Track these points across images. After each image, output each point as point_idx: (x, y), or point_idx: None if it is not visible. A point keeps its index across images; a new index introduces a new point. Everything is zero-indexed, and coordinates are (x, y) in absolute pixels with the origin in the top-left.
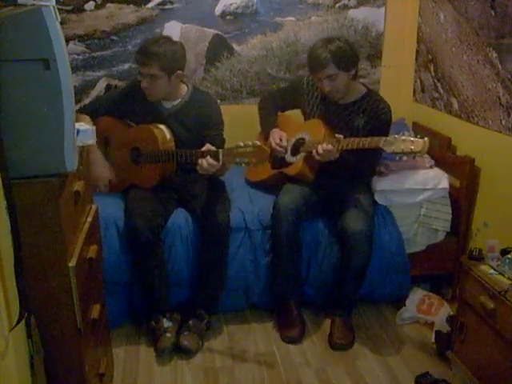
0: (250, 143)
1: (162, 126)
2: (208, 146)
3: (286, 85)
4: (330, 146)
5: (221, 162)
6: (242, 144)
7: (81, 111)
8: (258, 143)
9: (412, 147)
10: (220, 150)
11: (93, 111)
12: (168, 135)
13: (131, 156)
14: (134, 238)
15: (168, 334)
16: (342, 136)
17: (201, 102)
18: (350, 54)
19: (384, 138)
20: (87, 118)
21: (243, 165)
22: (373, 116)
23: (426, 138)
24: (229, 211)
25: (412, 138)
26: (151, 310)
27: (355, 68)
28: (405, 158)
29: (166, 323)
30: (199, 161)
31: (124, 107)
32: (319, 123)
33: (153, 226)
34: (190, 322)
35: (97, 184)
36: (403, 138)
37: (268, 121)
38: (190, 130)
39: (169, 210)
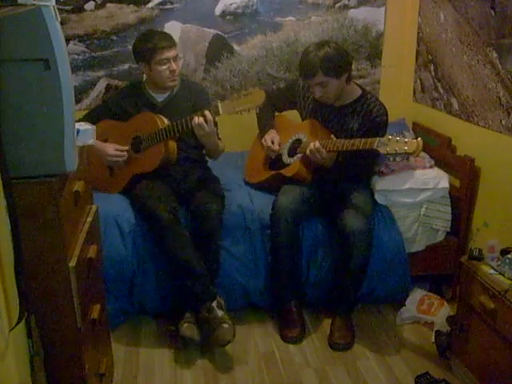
0: (244, 91)
1: (159, 115)
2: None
3: (282, 86)
4: (317, 144)
5: (222, 113)
6: (235, 94)
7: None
8: (251, 88)
9: (406, 148)
10: (219, 102)
11: (90, 119)
12: (165, 120)
13: (132, 146)
14: (154, 221)
15: (225, 325)
16: (333, 136)
17: (191, 91)
18: (340, 60)
19: (378, 139)
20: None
21: (242, 113)
22: (367, 118)
23: (419, 139)
24: (223, 202)
25: (406, 139)
26: (196, 300)
27: (347, 73)
28: (398, 159)
29: (219, 312)
30: (195, 118)
31: (119, 108)
32: (315, 124)
33: (170, 207)
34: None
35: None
36: (397, 138)
37: (265, 121)
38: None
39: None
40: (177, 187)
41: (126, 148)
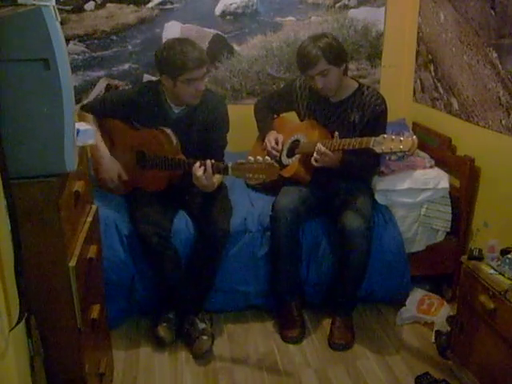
0: (261, 159)
1: (169, 131)
2: (217, 163)
3: (279, 88)
4: (322, 148)
5: (230, 175)
6: (252, 159)
7: (85, 109)
8: (269, 160)
9: (401, 146)
10: (229, 165)
11: (97, 111)
12: (174, 140)
13: (136, 159)
14: (144, 245)
15: (204, 337)
16: (337, 133)
17: (209, 105)
18: (339, 48)
19: (374, 138)
20: (90, 117)
21: (249, 180)
22: (367, 109)
23: (414, 137)
24: (230, 220)
25: (401, 138)
26: (182, 313)
27: (345, 63)
28: (393, 157)
29: (201, 325)
30: (194, 169)
31: (133, 109)
32: (313, 124)
33: (160, 231)
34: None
35: (106, 181)
36: (392, 137)
37: (264, 123)
38: (195, 134)
39: (173, 211)
40: (180, 194)
41: (125, 178)
